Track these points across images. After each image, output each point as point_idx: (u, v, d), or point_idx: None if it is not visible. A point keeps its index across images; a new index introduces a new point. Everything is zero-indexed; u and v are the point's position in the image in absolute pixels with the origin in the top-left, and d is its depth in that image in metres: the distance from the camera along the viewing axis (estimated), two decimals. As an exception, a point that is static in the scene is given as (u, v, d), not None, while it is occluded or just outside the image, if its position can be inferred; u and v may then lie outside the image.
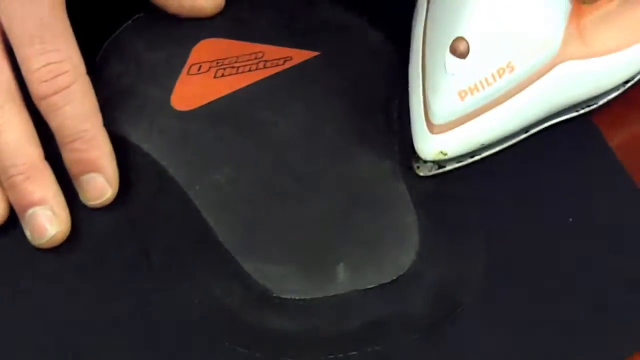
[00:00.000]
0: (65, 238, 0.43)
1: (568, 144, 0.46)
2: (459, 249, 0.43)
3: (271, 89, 0.48)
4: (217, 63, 0.49)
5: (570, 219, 0.44)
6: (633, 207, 0.45)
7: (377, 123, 0.47)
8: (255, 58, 0.49)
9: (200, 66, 0.49)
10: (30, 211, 0.42)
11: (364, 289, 0.42)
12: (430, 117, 0.43)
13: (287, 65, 0.49)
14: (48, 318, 0.41)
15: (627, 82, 0.47)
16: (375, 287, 0.42)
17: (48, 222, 0.42)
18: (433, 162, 0.44)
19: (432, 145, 0.43)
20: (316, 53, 0.49)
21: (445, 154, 0.43)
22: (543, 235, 0.44)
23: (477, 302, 0.41)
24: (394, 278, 0.42)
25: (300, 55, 0.49)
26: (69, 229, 0.43)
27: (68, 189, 0.44)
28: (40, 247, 0.42)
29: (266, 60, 0.49)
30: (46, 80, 0.43)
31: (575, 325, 0.41)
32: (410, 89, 0.45)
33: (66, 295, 0.42)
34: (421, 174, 0.44)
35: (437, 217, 0.44)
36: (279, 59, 0.49)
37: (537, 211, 0.44)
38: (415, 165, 0.44)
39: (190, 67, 0.49)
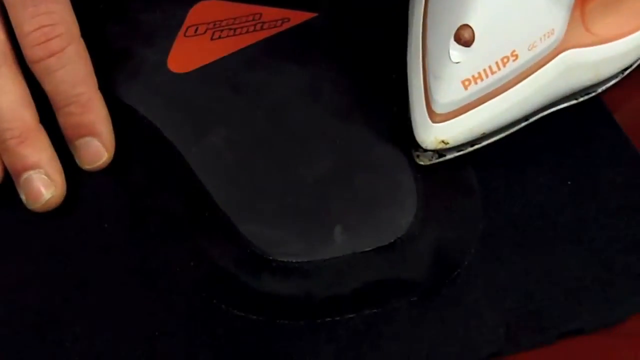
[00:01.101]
0: (60, 202, 0.43)
1: (570, 112, 0.46)
2: (457, 211, 0.43)
3: (269, 51, 0.48)
4: (214, 25, 0.48)
5: (569, 182, 0.44)
6: (630, 167, 0.45)
7: (375, 84, 0.46)
8: (253, 19, 0.49)
9: (197, 28, 0.48)
10: (25, 175, 0.42)
11: (362, 252, 0.41)
12: (432, 106, 0.42)
13: (285, 26, 0.49)
14: (44, 281, 0.41)
15: (625, 69, 0.46)
16: (373, 249, 0.41)
17: (43, 186, 0.42)
18: (434, 151, 0.43)
19: (433, 134, 0.42)
20: (314, 14, 0.49)
21: (446, 143, 0.42)
22: (541, 197, 0.43)
23: (475, 263, 0.41)
24: (392, 240, 0.42)
25: (298, 17, 0.49)
26: (64, 193, 0.43)
27: (64, 153, 0.43)
28: (36, 211, 0.42)
29: (264, 22, 0.49)
30: (40, 44, 0.42)
31: (574, 286, 0.41)
32: (409, 76, 0.44)
33: (61, 259, 0.42)
34: (421, 163, 0.43)
35: (435, 178, 0.43)
36: (277, 20, 0.49)
37: (535, 174, 0.44)
38: (415, 154, 0.44)
39: (187, 29, 0.48)
